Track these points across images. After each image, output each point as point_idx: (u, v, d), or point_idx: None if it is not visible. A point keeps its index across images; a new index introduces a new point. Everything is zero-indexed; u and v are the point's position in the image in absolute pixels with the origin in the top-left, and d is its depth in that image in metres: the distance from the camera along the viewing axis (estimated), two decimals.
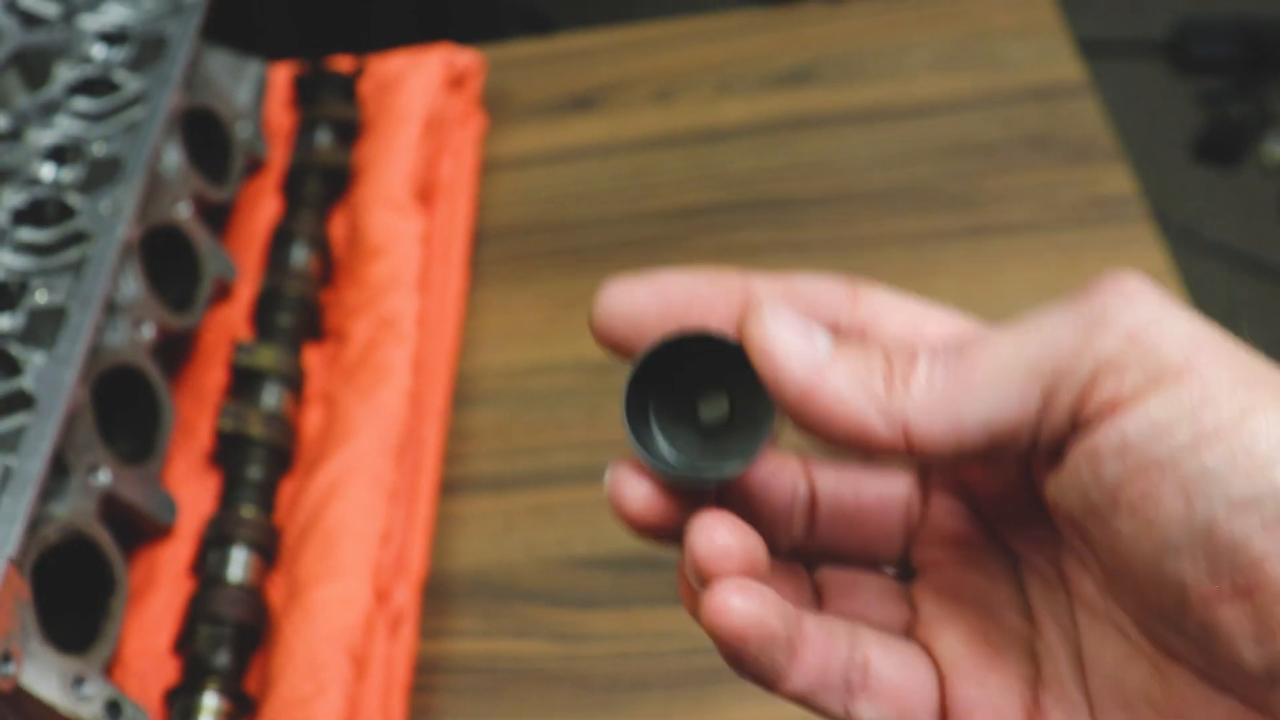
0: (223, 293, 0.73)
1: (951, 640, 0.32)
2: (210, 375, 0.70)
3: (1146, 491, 0.26)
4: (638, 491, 0.31)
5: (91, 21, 0.73)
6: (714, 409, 0.32)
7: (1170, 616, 0.27)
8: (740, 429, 0.31)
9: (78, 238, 0.62)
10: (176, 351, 0.70)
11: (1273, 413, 0.25)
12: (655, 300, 0.31)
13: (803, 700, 0.30)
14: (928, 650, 0.32)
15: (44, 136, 0.67)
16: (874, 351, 0.29)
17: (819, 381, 0.28)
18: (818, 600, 0.34)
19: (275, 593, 0.61)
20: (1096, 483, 0.27)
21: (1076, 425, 0.27)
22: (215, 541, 0.61)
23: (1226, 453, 0.25)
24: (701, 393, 0.32)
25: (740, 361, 0.30)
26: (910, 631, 0.33)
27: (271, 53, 0.85)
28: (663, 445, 0.32)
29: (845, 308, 0.32)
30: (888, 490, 0.34)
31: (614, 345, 0.32)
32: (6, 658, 0.48)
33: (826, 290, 0.32)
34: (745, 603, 0.28)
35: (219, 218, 0.77)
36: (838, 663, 0.30)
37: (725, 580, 0.29)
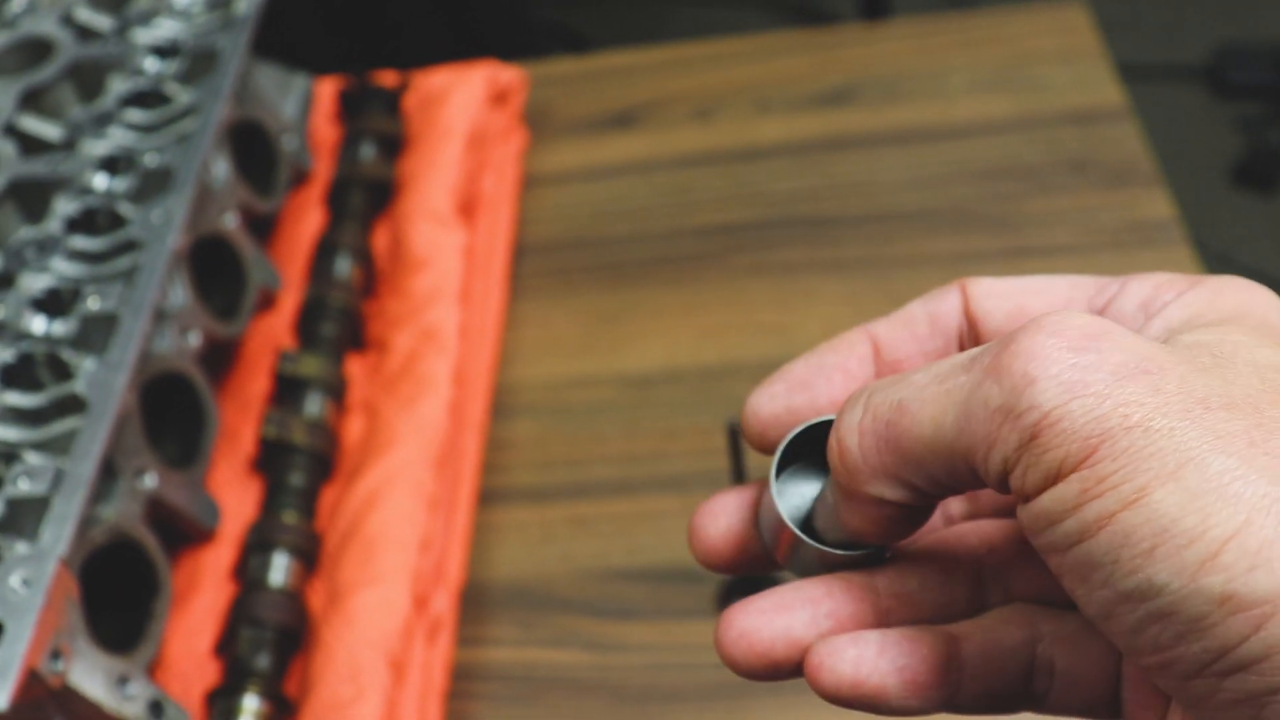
0: (267, 302, 0.74)
1: None
2: (254, 383, 0.71)
3: (1055, 569, 0.27)
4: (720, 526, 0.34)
5: (144, 35, 0.74)
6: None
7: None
8: None
9: (129, 246, 0.63)
10: (221, 359, 0.71)
11: (1160, 492, 0.24)
12: (796, 393, 0.34)
13: (980, 714, 0.31)
14: None
15: (97, 147, 0.68)
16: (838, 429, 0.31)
17: (834, 462, 0.31)
18: (998, 578, 0.33)
19: (315, 598, 0.62)
20: (1034, 544, 0.28)
21: (1004, 493, 0.28)
22: (257, 546, 0.62)
23: (1107, 544, 0.25)
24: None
25: None
26: None
27: (310, 69, 0.86)
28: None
29: (958, 312, 0.33)
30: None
31: (774, 448, 0.34)
32: (56, 655, 0.49)
33: (940, 303, 0.34)
34: (842, 664, 0.30)
35: (264, 229, 0.78)
36: (1011, 679, 0.31)
37: (829, 647, 0.30)
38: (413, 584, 0.60)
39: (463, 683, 0.62)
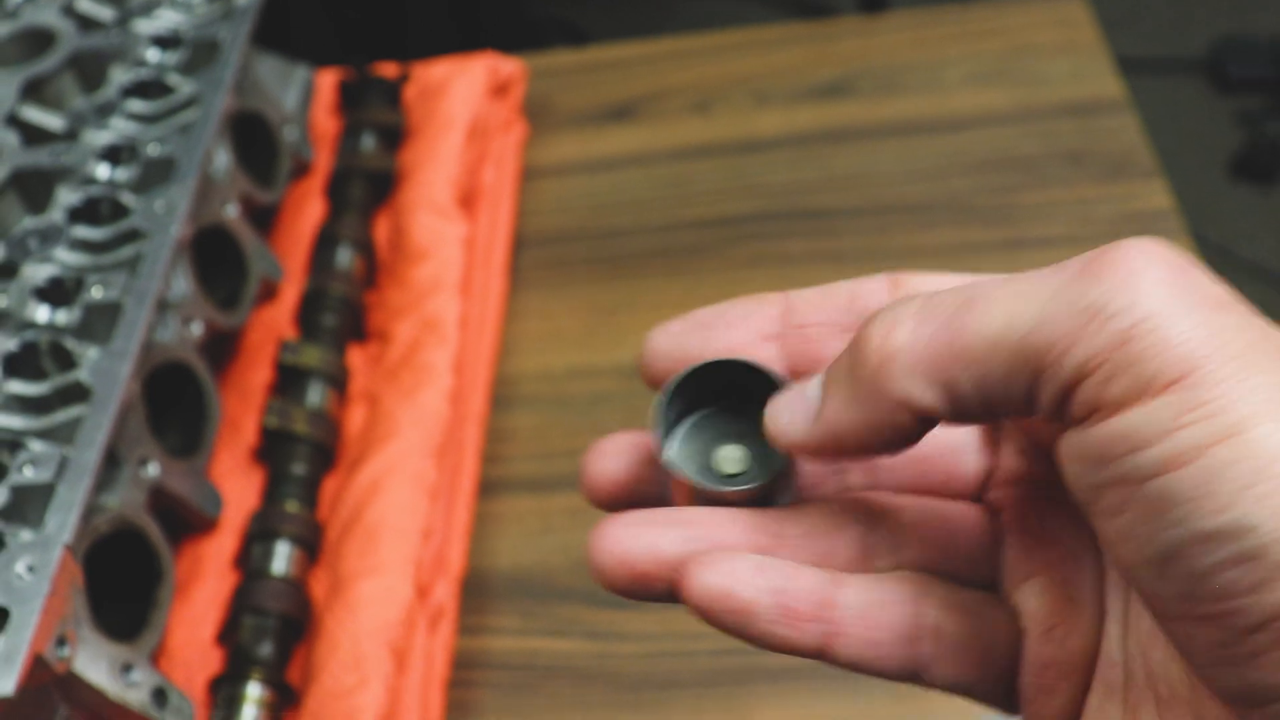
0: (269, 293, 0.75)
1: (1034, 590, 0.30)
2: (256, 373, 0.71)
3: (1116, 504, 0.25)
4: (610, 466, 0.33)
5: (146, 26, 0.75)
6: (731, 462, 0.33)
7: (1159, 618, 0.26)
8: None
9: (132, 236, 0.63)
10: (223, 349, 0.72)
11: (1263, 429, 0.23)
12: (695, 331, 0.33)
13: (859, 669, 0.30)
14: (1008, 598, 0.31)
15: (100, 137, 0.68)
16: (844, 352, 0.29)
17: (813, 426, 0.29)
18: (890, 546, 0.32)
19: (318, 587, 0.62)
20: (1076, 481, 0.26)
21: (1062, 416, 0.26)
22: (259, 535, 0.63)
23: (1197, 478, 0.23)
24: (731, 415, 0.33)
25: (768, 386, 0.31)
26: (994, 575, 0.32)
27: (310, 60, 0.86)
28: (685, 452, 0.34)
29: (884, 298, 0.32)
30: (953, 435, 0.33)
31: (662, 380, 0.33)
32: (61, 641, 0.50)
33: (865, 284, 0.33)
34: (713, 576, 0.29)
35: (265, 219, 0.78)
36: (893, 633, 0.30)
37: (703, 558, 0.29)
38: (414, 573, 0.61)
39: (464, 671, 0.62)
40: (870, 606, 0.30)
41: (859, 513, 0.32)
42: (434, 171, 0.77)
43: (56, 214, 0.64)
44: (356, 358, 0.72)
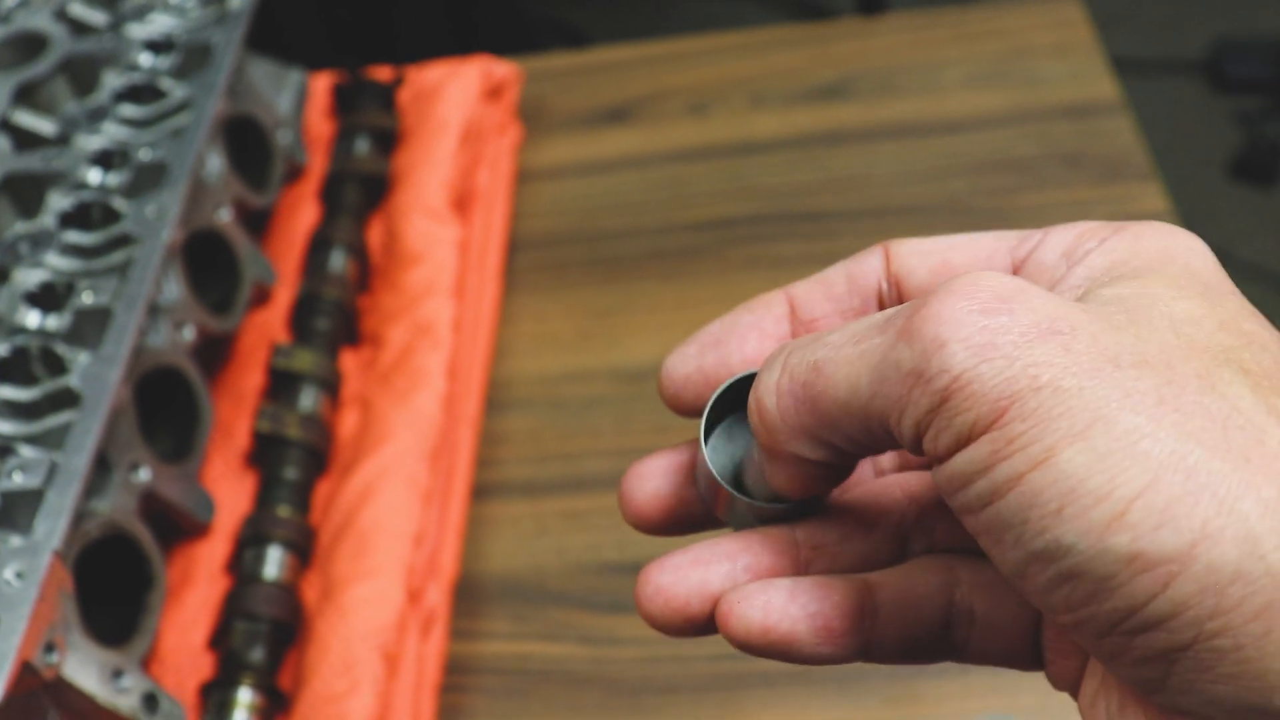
0: (261, 297, 0.74)
1: None
2: (248, 378, 0.71)
3: (974, 530, 0.27)
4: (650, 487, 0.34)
5: (138, 30, 0.74)
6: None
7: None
8: None
9: (123, 241, 0.63)
10: (216, 354, 0.71)
11: (1069, 451, 0.24)
12: (709, 351, 0.34)
13: (899, 662, 0.31)
14: None
15: (91, 142, 0.68)
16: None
17: (755, 423, 0.31)
18: (921, 529, 0.33)
19: (310, 591, 0.62)
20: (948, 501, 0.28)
21: (918, 455, 0.28)
22: (251, 540, 0.62)
23: (1016, 505, 0.25)
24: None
25: None
26: None
27: (304, 63, 0.86)
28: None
29: (879, 272, 0.33)
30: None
31: (692, 410, 0.34)
32: (50, 648, 0.49)
33: (860, 263, 0.33)
34: (750, 610, 0.30)
35: (259, 223, 0.78)
36: (928, 626, 0.31)
37: (738, 594, 0.30)
38: (406, 577, 0.60)
39: (456, 676, 0.62)
40: (904, 606, 0.31)
41: (887, 504, 0.33)
42: (428, 175, 0.77)
43: (48, 219, 0.64)
44: (350, 362, 0.72)
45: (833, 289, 0.34)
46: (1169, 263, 0.29)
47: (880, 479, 0.34)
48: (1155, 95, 1.91)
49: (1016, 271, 0.32)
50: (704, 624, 0.31)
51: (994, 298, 0.26)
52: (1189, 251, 0.30)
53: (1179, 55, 2.02)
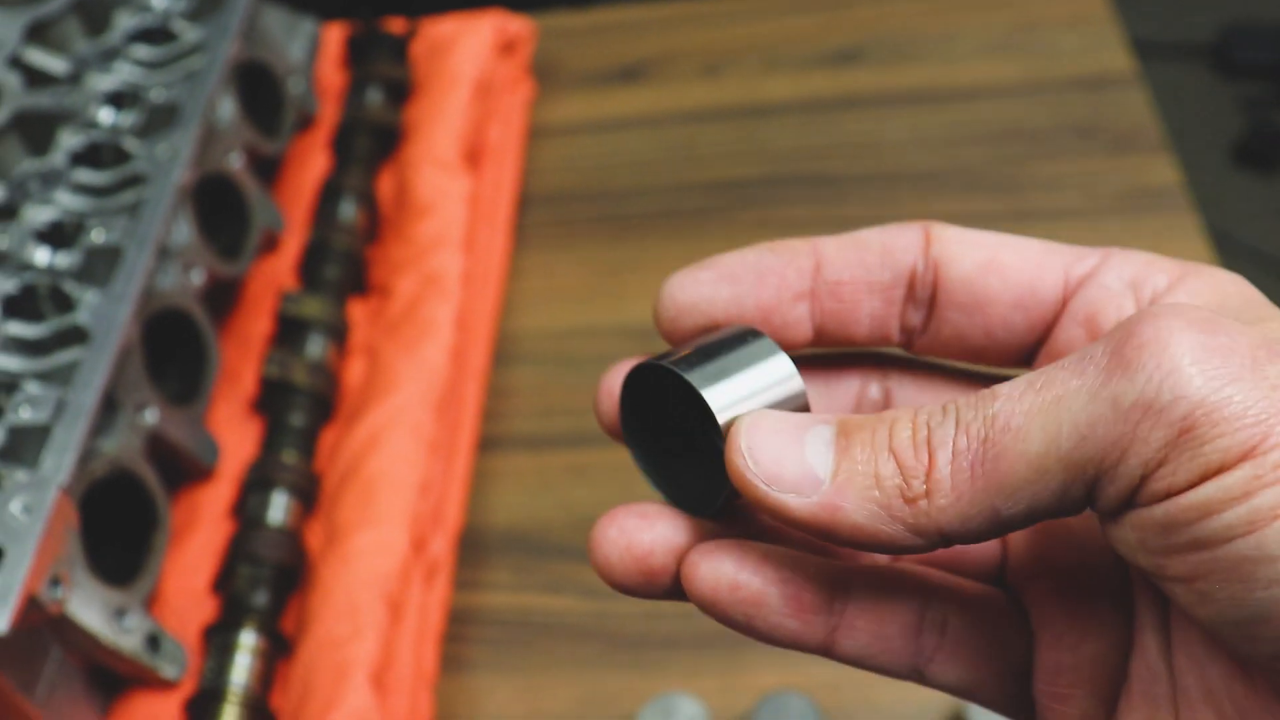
0: (270, 244, 0.74)
1: (1045, 590, 0.30)
2: (256, 324, 0.71)
3: (1191, 569, 0.24)
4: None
5: None
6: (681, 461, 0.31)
7: (1243, 664, 0.26)
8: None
9: (134, 180, 0.63)
10: (224, 299, 0.71)
11: None
12: (724, 284, 0.31)
13: (861, 664, 0.29)
14: (1020, 597, 0.30)
15: (103, 82, 0.68)
16: (882, 454, 0.26)
17: (831, 516, 0.26)
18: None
19: (314, 538, 0.62)
20: (1140, 546, 0.25)
21: (1125, 508, 0.25)
22: (256, 485, 0.62)
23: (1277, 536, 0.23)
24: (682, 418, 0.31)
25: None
26: (1003, 572, 0.31)
27: (317, 13, 0.85)
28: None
29: (917, 251, 0.31)
30: None
31: (685, 338, 0.31)
32: (55, 582, 0.49)
33: (897, 237, 0.31)
34: (720, 564, 0.28)
35: (269, 171, 0.78)
36: (899, 627, 0.29)
37: (707, 546, 0.28)
38: (411, 526, 0.60)
39: (459, 626, 0.62)
40: (878, 599, 0.29)
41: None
42: (439, 127, 0.76)
43: (58, 157, 0.64)
44: (357, 311, 0.71)
45: (865, 255, 0.31)
46: (1244, 309, 0.28)
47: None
48: (1162, 79, 1.90)
49: (1074, 290, 0.30)
50: (662, 580, 0.29)
51: (1203, 319, 0.24)
52: (1242, 299, 0.29)
53: (1187, 39, 2.01)
